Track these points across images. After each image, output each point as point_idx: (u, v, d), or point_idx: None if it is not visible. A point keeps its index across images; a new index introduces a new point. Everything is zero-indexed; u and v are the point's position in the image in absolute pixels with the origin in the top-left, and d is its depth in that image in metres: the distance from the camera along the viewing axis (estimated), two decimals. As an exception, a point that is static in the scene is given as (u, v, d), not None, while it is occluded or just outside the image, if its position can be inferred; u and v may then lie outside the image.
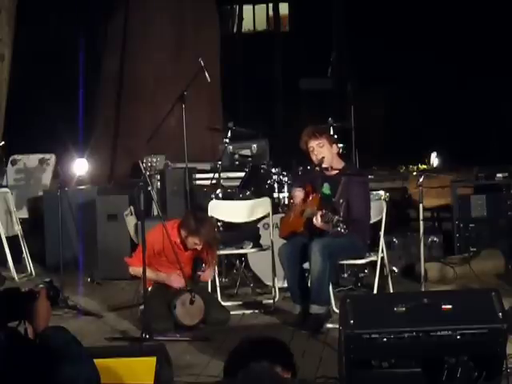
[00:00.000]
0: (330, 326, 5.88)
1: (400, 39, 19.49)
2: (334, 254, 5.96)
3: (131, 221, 7.73)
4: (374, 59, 19.33)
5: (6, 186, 8.60)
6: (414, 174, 6.91)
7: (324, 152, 6.18)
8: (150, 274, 6.12)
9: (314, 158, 6.21)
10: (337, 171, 6.24)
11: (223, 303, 6.57)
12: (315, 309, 5.92)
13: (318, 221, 5.86)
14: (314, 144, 6.20)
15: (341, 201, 5.98)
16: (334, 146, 6.27)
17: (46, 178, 9.38)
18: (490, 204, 7.90)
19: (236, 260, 7.38)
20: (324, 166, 6.18)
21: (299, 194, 6.26)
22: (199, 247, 6.11)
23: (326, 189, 6.21)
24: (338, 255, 6.10)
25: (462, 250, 7.79)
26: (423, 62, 18.75)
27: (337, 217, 5.68)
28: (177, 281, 6.13)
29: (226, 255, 7.27)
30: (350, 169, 6.43)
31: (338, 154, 6.36)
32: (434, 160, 7.57)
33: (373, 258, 6.36)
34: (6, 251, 8.05)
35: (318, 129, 6.37)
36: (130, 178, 9.68)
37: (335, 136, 7.11)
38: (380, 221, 6.43)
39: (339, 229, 5.62)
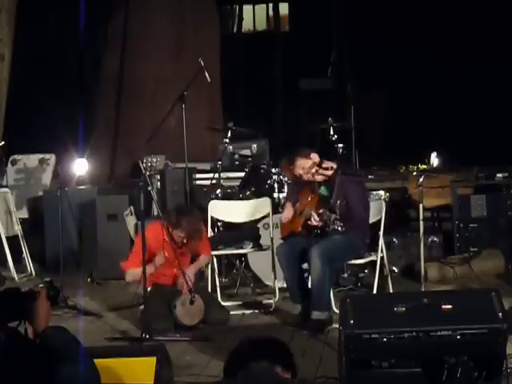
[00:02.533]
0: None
1: (400, 39, 19.47)
2: (333, 259, 5.97)
3: (131, 221, 7.73)
4: (373, 59, 19.31)
5: (6, 186, 8.60)
6: (414, 174, 6.89)
7: (311, 169, 6.19)
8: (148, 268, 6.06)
9: (310, 178, 6.24)
10: (331, 172, 6.24)
11: (223, 303, 6.57)
12: (316, 315, 5.92)
13: (315, 220, 5.89)
14: (298, 171, 6.23)
15: (338, 201, 5.98)
16: (312, 155, 6.25)
17: (46, 178, 9.37)
18: (490, 204, 7.89)
19: (236, 260, 7.38)
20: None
21: (288, 211, 6.27)
22: (184, 240, 6.11)
23: (323, 191, 6.24)
24: (338, 259, 6.12)
25: (462, 249, 7.78)
26: (423, 62, 18.74)
27: (334, 215, 5.71)
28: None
29: (226, 255, 7.27)
30: (343, 168, 6.41)
31: (323, 159, 6.34)
32: (434, 160, 7.56)
33: (373, 258, 6.36)
34: (6, 251, 8.05)
35: (287, 158, 6.38)
36: (130, 178, 9.69)
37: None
38: (380, 221, 6.43)
39: (336, 227, 5.66)
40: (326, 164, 6.23)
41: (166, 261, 6.17)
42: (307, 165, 6.20)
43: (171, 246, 6.03)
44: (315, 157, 6.26)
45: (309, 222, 5.97)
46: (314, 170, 6.18)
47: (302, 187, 6.40)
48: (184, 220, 6.06)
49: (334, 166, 6.27)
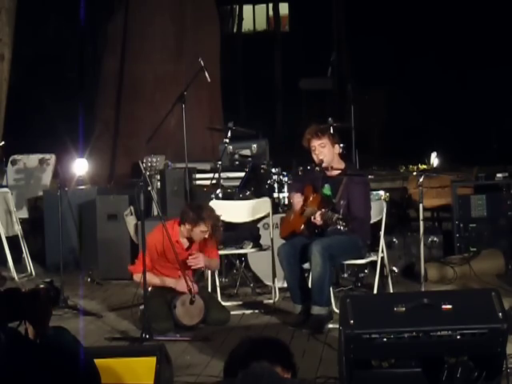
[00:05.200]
0: (330, 326, 5.88)
1: (400, 39, 19.48)
2: (334, 256, 5.96)
3: (131, 221, 7.74)
4: (373, 59, 19.32)
5: (6, 186, 8.60)
6: (414, 173, 6.89)
7: (325, 152, 6.19)
8: (155, 279, 6.10)
9: (314, 157, 6.23)
10: (338, 172, 6.24)
11: (223, 303, 6.57)
12: (316, 310, 5.92)
13: (317, 219, 5.89)
14: (315, 144, 6.21)
15: (341, 202, 5.98)
16: (336, 146, 6.27)
17: (46, 178, 9.38)
18: (490, 204, 7.89)
19: (236, 260, 7.38)
20: (323, 165, 6.19)
21: (298, 200, 6.26)
22: (207, 234, 6.09)
23: (326, 190, 6.22)
24: (338, 256, 6.10)
25: (461, 250, 7.79)
26: (423, 62, 18.75)
27: (336, 215, 5.71)
28: (184, 286, 6.10)
29: (226, 255, 7.27)
30: (351, 169, 6.42)
31: (339, 154, 6.36)
32: (434, 160, 7.55)
33: (373, 258, 6.36)
34: (6, 251, 8.05)
35: (321, 129, 6.36)
36: (130, 178, 9.69)
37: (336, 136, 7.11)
38: (380, 221, 6.43)
39: (339, 227, 5.65)
40: (327, 164, 6.21)
41: (170, 263, 6.17)
42: (323, 152, 6.18)
43: (173, 246, 6.01)
44: (337, 149, 6.27)
45: (312, 219, 5.97)
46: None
47: (303, 186, 6.39)
48: (204, 212, 6.07)
49: (340, 166, 6.27)
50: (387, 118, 18.50)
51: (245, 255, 7.19)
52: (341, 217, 5.68)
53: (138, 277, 6.15)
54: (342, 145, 7.38)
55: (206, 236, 6.12)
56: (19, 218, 8.48)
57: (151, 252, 6.05)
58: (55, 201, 7.44)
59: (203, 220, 6.04)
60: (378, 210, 6.45)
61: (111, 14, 11.75)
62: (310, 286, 6.15)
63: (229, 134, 7.73)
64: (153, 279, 6.11)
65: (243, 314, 6.52)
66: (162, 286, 6.17)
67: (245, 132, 8.16)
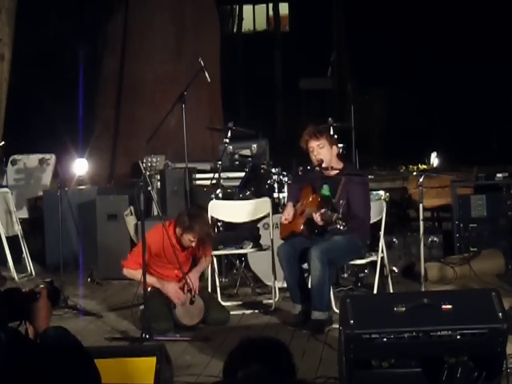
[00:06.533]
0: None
1: (400, 39, 19.48)
2: (333, 260, 5.95)
3: (131, 221, 7.74)
4: (373, 59, 19.32)
5: (6, 186, 8.60)
6: (414, 173, 6.89)
7: (323, 153, 6.18)
8: (148, 278, 6.08)
9: (313, 158, 6.22)
10: (336, 172, 6.24)
11: (223, 303, 6.57)
12: (317, 315, 5.92)
13: (317, 220, 5.89)
14: (314, 144, 6.20)
15: (341, 201, 5.98)
16: (334, 147, 6.26)
17: (46, 178, 9.37)
18: (490, 204, 7.89)
19: (236, 260, 7.38)
20: (323, 165, 6.19)
21: (288, 213, 6.27)
22: (194, 244, 6.10)
23: (325, 190, 6.21)
24: (337, 260, 6.10)
25: (462, 250, 7.78)
26: (423, 62, 18.75)
27: (336, 214, 5.71)
28: (172, 292, 6.10)
29: (226, 255, 7.27)
30: (350, 169, 6.42)
31: (338, 154, 6.36)
32: (434, 160, 7.56)
33: (373, 258, 6.36)
34: (6, 251, 8.05)
35: (319, 129, 6.36)
36: (130, 178, 9.69)
37: (335, 136, 7.12)
38: (380, 221, 6.43)
39: (338, 226, 5.65)
40: (326, 164, 6.21)
41: (168, 262, 6.18)
42: (321, 153, 6.17)
43: (173, 247, 6.02)
44: (335, 149, 6.26)
45: (314, 218, 5.97)
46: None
47: (302, 186, 6.39)
48: (196, 224, 6.05)
49: (339, 166, 6.26)
50: (387, 117, 18.50)
51: (245, 255, 7.19)
52: (340, 216, 5.68)
53: (128, 271, 6.20)
54: (341, 145, 7.42)
55: (193, 245, 6.12)
56: (19, 218, 8.48)
57: (146, 250, 6.02)
58: (55, 201, 7.45)
59: (192, 230, 6.04)
60: (378, 210, 6.45)
61: (111, 14, 11.75)
62: (309, 286, 6.15)
63: (229, 134, 7.73)
64: (147, 278, 6.08)
65: (243, 314, 6.52)
66: (152, 285, 6.15)
67: (245, 132, 8.16)
